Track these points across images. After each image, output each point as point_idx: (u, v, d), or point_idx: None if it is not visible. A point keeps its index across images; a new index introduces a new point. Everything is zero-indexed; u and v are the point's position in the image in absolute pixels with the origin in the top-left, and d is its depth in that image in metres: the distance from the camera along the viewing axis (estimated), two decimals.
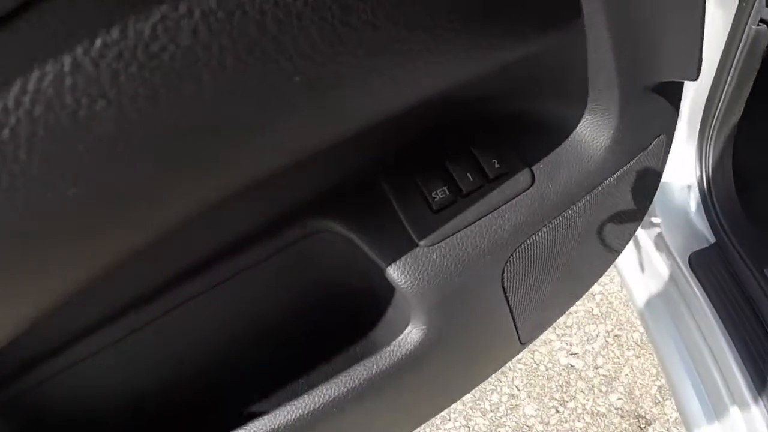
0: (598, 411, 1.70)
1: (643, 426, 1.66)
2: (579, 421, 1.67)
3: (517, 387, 1.76)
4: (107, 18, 0.21)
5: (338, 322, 0.55)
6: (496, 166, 0.48)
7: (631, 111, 0.50)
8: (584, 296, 2.02)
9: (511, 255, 0.50)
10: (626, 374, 1.78)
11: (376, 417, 0.51)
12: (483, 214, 0.47)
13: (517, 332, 0.58)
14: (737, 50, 1.11)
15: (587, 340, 1.87)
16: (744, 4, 1.05)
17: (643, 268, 1.38)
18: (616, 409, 1.70)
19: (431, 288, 0.46)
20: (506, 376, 1.78)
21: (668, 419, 1.66)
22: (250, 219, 0.44)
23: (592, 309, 1.96)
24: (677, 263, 1.20)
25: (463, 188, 0.47)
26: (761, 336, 1.08)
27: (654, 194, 0.72)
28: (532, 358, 1.83)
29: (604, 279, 2.03)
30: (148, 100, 0.23)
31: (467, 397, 1.73)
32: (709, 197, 1.22)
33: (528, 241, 0.50)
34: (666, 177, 1.28)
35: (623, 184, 0.56)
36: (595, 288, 2.03)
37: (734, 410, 1.08)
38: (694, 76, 0.47)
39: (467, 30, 0.32)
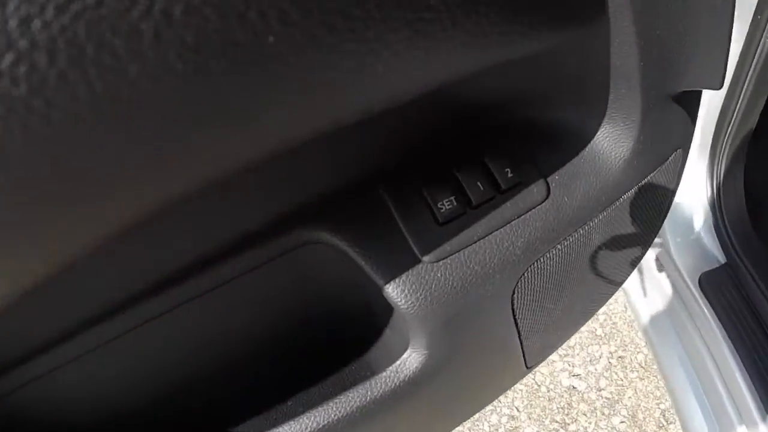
0: None
1: None
2: None
3: (517, 408, 1.71)
4: None
5: (330, 339, 0.50)
6: (510, 175, 0.44)
7: (653, 120, 0.45)
8: None
9: (523, 274, 0.45)
10: (629, 397, 1.73)
11: None
12: (494, 228, 0.43)
13: (524, 356, 0.54)
14: (752, 63, 1.08)
15: (590, 361, 1.83)
16: (759, 17, 1.02)
17: (650, 289, 1.34)
18: None
19: (434, 309, 0.41)
20: (506, 397, 1.73)
21: None
22: (235, 226, 0.40)
23: (596, 329, 1.92)
24: (687, 284, 1.16)
25: (472, 199, 0.42)
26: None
27: (668, 211, 0.68)
28: (533, 379, 1.78)
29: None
30: (68, 57, 0.18)
31: None
32: (719, 216, 1.19)
33: (541, 258, 0.46)
34: (676, 195, 1.24)
35: (640, 200, 0.52)
36: (599, 308, 1.98)
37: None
38: (719, 85, 0.42)
39: (473, 11, 0.28)
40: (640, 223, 0.54)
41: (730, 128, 1.14)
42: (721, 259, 1.17)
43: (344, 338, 0.50)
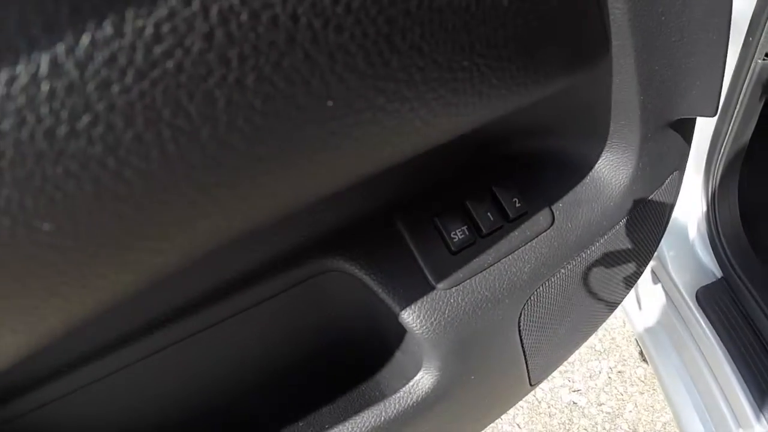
0: None
1: None
2: None
3: (518, 425, 1.71)
4: (98, 7, 0.17)
5: (345, 362, 0.52)
6: (517, 205, 0.46)
7: (651, 148, 0.48)
8: None
9: (530, 297, 0.47)
10: (630, 411, 1.74)
11: None
12: (503, 255, 0.45)
13: (529, 374, 0.56)
14: (743, 84, 1.10)
15: (590, 376, 1.83)
16: (750, 39, 1.05)
17: (648, 304, 1.36)
18: None
19: (448, 333, 0.43)
20: (507, 414, 1.73)
21: None
22: (259, 255, 0.42)
23: (595, 345, 1.92)
24: (684, 299, 1.17)
25: (483, 228, 0.45)
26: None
27: (665, 230, 0.70)
28: (534, 396, 1.78)
29: None
30: (145, 119, 0.18)
31: None
32: (715, 232, 1.20)
33: (546, 282, 0.48)
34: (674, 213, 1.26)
35: (639, 222, 0.54)
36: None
37: None
38: (713, 113, 0.45)
39: (499, 69, 0.30)
40: (639, 243, 0.56)
41: (723, 146, 1.17)
42: (718, 273, 1.19)
43: (358, 360, 0.52)
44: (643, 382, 1.80)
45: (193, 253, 0.24)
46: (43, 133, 0.17)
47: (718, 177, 1.19)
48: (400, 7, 0.22)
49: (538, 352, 0.53)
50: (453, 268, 0.43)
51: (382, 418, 0.44)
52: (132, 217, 0.20)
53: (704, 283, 1.16)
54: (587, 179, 0.50)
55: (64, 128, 0.17)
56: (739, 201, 1.28)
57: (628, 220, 0.52)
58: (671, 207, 0.61)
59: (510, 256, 0.45)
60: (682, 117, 0.46)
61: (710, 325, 1.10)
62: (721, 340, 1.09)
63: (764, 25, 1.03)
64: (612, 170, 0.49)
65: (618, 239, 0.52)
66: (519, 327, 0.48)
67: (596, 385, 1.80)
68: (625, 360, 1.86)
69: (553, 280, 0.48)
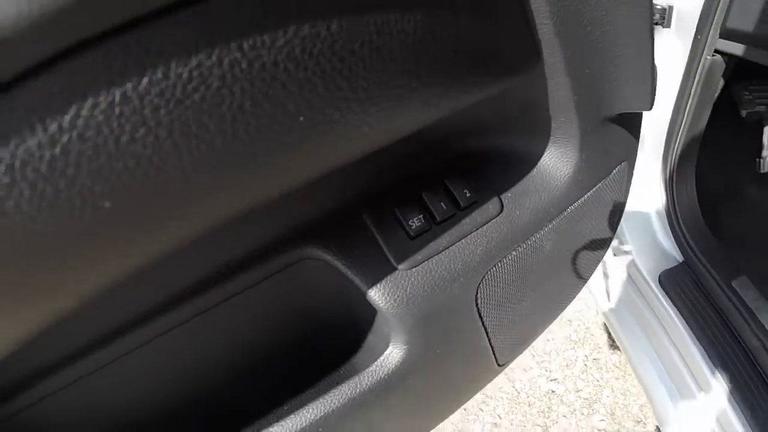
0: None
1: None
2: None
3: (499, 415, 1.76)
4: (155, 61, 0.26)
5: (323, 347, 0.56)
6: (467, 195, 0.52)
7: (591, 141, 0.54)
8: (562, 323, 2.06)
9: (483, 277, 0.52)
10: (607, 396, 1.80)
11: None
12: (456, 240, 0.51)
13: (494, 353, 0.61)
14: (694, 79, 1.17)
15: (567, 365, 1.89)
16: (699, 36, 1.11)
17: (615, 291, 1.42)
18: (599, 430, 1.72)
19: (410, 308, 0.48)
20: (488, 405, 1.78)
21: None
22: (239, 246, 0.46)
23: (570, 335, 1.99)
24: (648, 283, 1.24)
25: (437, 216, 0.51)
26: (733, 345, 1.11)
27: (620, 218, 0.76)
28: (513, 387, 1.84)
29: (579, 305, 2.06)
30: (180, 131, 0.27)
31: (449, 428, 1.73)
32: (675, 218, 1.27)
33: (499, 264, 0.53)
34: (634, 204, 1.33)
35: (588, 209, 0.59)
36: (572, 314, 2.06)
37: (710, 412, 1.11)
38: (648, 107, 0.51)
39: (429, 85, 0.37)
40: (591, 228, 0.62)
41: (679, 137, 1.24)
42: (679, 257, 1.26)
43: (335, 346, 0.56)
44: (618, 368, 1.87)
45: (207, 223, 0.32)
46: (113, 140, 0.26)
47: (676, 166, 1.26)
48: (347, 49, 0.32)
49: (500, 330, 0.58)
50: (412, 251, 0.49)
51: (358, 390, 0.49)
52: (163, 198, 0.29)
53: (666, 267, 1.23)
54: (534, 171, 0.56)
55: (126, 137, 0.26)
56: (697, 188, 1.35)
57: (576, 207, 0.57)
58: (623, 195, 0.67)
59: (463, 240, 0.51)
60: (622, 112, 0.52)
61: (673, 306, 1.16)
62: (685, 319, 1.15)
63: (711, 24, 1.10)
64: (556, 162, 0.55)
65: (568, 225, 0.57)
66: (477, 304, 0.53)
67: (573, 373, 1.87)
68: (600, 348, 1.93)
69: (505, 261, 0.53)
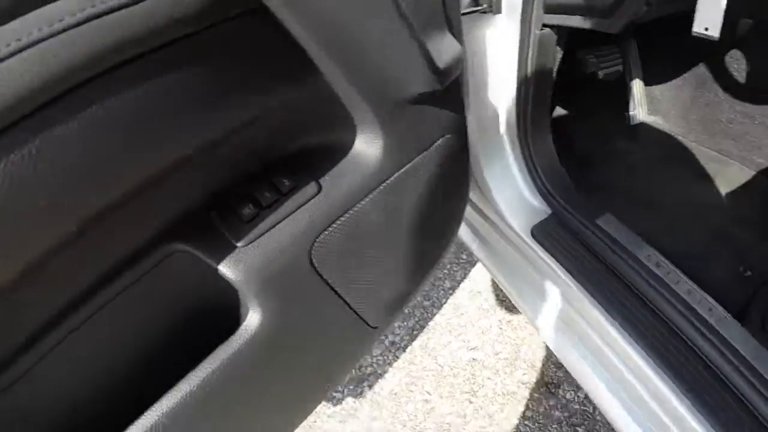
0: (508, 390, 1.84)
1: (553, 390, 1.81)
2: (493, 404, 1.80)
3: (428, 392, 1.86)
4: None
5: (203, 334, 0.64)
6: (287, 184, 0.65)
7: (396, 123, 0.66)
8: (472, 295, 2.18)
9: (312, 245, 0.65)
10: (525, 351, 1.94)
11: (247, 401, 0.64)
12: (281, 218, 0.64)
13: (359, 315, 0.72)
14: (528, 53, 1.31)
15: (483, 332, 2.02)
16: (525, 15, 1.25)
17: (495, 251, 1.55)
18: (523, 384, 1.85)
19: (252, 275, 0.60)
20: (416, 385, 1.88)
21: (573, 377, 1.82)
22: (113, 250, 0.55)
23: (482, 304, 2.12)
24: (522, 239, 1.37)
25: (262, 203, 0.63)
26: (608, 277, 1.24)
27: (464, 184, 0.87)
28: (436, 362, 1.95)
29: (488, 276, 2.20)
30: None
31: (385, 414, 1.81)
32: (539, 178, 1.42)
33: (325, 232, 0.66)
34: (501, 169, 1.46)
35: (411, 180, 0.72)
36: (481, 286, 2.20)
37: (593, 329, 1.24)
38: (438, 86, 0.65)
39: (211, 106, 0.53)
40: (423, 194, 0.74)
41: (527, 108, 1.38)
42: (548, 211, 1.40)
43: (212, 332, 0.65)
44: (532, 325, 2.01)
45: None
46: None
47: (530, 135, 1.41)
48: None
49: (355, 291, 0.70)
50: (246, 232, 0.62)
51: (230, 352, 0.60)
52: None
53: (536, 221, 1.37)
54: (348, 156, 0.69)
55: None
56: (572, 145, 1.49)
57: (394, 180, 0.70)
58: (457, 164, 0.79)
59: (287, 218, 0.64)
60: (413, 94, 0.65)
61: (548, 254, 1.29)
62: (561, 264, 1.28)
63: (534, 2, 1.24)
64: (366, 148, 0.68)
65: (391, 195, 0.70)
66: (315, 267, 0.66)
67: (490, 338, 2.00)
68: (512, 310, 2.07)
69: (331, 230, 0.66)
